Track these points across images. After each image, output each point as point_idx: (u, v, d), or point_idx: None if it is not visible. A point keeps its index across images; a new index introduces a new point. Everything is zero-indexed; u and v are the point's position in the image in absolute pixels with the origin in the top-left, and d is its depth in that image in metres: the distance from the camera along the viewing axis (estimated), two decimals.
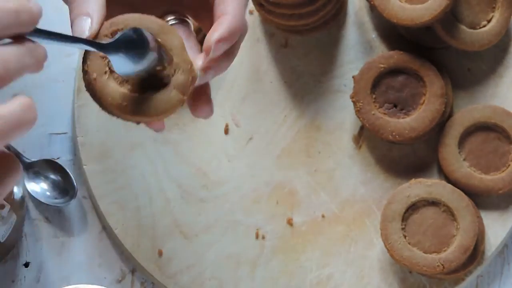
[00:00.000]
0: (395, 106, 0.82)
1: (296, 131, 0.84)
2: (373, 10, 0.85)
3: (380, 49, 0.85)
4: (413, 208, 0.80)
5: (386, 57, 0.82)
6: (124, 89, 0.59)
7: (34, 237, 0.83)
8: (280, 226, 0.83)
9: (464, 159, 0.82)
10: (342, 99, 0.85)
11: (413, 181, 0.80)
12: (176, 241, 0.82)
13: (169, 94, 0.60)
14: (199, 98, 0.63)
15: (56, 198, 0.83)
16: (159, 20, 0.61)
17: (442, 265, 0.78)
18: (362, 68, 0.82)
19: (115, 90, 0.59)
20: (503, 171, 0.82)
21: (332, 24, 0.85)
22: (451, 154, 0.82)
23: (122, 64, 0.57)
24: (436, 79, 0.81)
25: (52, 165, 0.83)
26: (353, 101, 0.82)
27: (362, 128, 0.84)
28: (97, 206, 0.83)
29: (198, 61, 0.62)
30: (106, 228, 0.84)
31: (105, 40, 0.58)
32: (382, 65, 0.81)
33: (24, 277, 0.83)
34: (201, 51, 0.63)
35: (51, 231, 0.83)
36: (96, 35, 0.59)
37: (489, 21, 0.83)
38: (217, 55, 0.61)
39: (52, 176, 0.83)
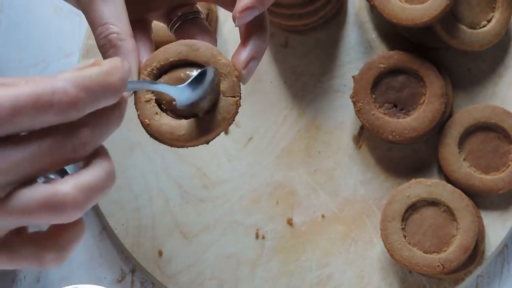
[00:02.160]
0: (395, 106, 0.82)
1: (296, 131, 0.84)
2: (373, 10, 0.85)
3: (380, 49, 0.85)
4: (413, 208, 0.80)
5: (386, 57, 0.82)
6: (179, 121, 0.61)
7: None
8: (280, 226, 0.83)
9: (464, 159, 0.82)
10: (342, 99, 0.85)
11: (413, 181, 0.80)
12: (176, 241, 0.82)
13: (222, 103, 0.61)
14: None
15: None
16: (186, 41, 0.62)
17: (442, 265, 0.78)
18: (362, 68, 0.82)
19: (171, 125, 0.61)
20: (503, 171, 0.82)
21: (332, 24, 0.85)
22: (451, 154, 0.82)
23: (182, 95, 0.60)
24: (436, 79, 0.81)
25: None
26: (353, 101, 0.82)
27: (362, 128, 0.84)
28: (97, 206, 0.83)
29: (240, 58, 0.62)
30: (106, 228, 0.84)
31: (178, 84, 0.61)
32: (382, 65, 0.81)
33: (24, 277, 0.83)
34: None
35: None
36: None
37: (489, 21, 0.83)
38: (243, 23, 0.61)
39: (52, 176, 0.83)
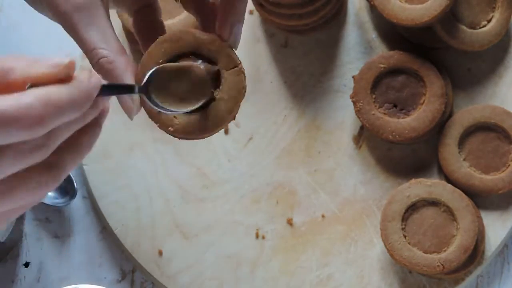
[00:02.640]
0: (395, 106, 0.82)
1: (296, 131, 0.84)
2: (373, 10, 0.85)
3: (380, 49, 0.85)
4: (413, 208, 0.80)
5: (386, 57, 0.82)
6: (198, 113, 0.61)
7: (34, 237, 0.83)
8: (280, 226, 0.83)
9: (464, 159, 0.82)
10: (342, 99, 0.85)
11: (413, 181, 0.80)
12: (176, 241, 0.82)
13: (230, 77, 0.61)
14: None
15: (56, 198, 0.83)
16: (164, 37, 0.62)
17: (442, 265, 0.78)
18: (362, 68, 0.82)
19: (193, 121, 0.61)
20: (503, 171, 0.82)
21: (332, 24, 0.85)
22: (451, 154, 0.82)
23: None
24: (436, 79, 0.81)
25: None
26: (353, 101, 0.82)
27: (362, 128, 0.84)
28: (97, 206, 0.83)
29: (224, 31, 0.62)
30: (106, 228, 0.84)
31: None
32: (382, 65, 0.81)
33: (24, 277, 0.83)
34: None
35: (51, 231, 0.83)
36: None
37: (489, 21, 0.83)
38: None
39: None
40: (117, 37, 0.61)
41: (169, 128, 0.61)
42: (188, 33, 0.61)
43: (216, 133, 0.62)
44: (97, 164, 0.83)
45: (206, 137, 0.62)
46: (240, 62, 0.62)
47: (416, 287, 0.81)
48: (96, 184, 0.83)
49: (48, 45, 0.87)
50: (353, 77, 0.82)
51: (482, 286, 0.83)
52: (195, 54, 0.61)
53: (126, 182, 0.83)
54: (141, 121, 0.84)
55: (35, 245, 0.83)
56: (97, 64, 0.60)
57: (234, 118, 0.62)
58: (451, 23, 0.82)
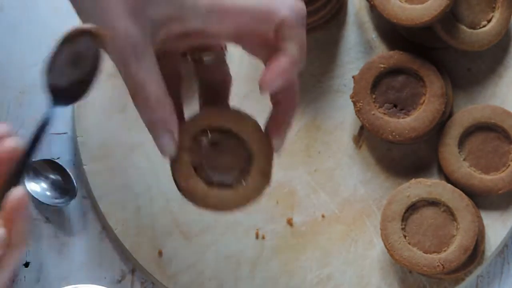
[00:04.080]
0: (395, 106, 0.82)
1: (296, 131, 0.84)
2: (373, 10, 0.85)
3: (380, 49, 0.85)
4: (413, 208, 0.80)
5: (386, 57, 0.82)
6: (211, 189, 0.64)
7: (34, 237, 0.83)
8: (280, 226, 0.83)
9: (464, 159, 0.82)
10: (342, 99, 0.85)
11: (413, 181, 0.80)
12: (176, 241, 0.82)
13: (257, 178, 0.64)
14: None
15: (56, 198, 0.83)
16: (233, 111, 0.65)
17: (442, 265, 0.78)
18: (362, 68, 0.82)
19: (204, 191, 0.64)
20: (503, 171, 0.82)
21: (332, 24, 0.85)
22: (451, 154, 0.82)
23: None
24: (436, 79, 0.81)
25: (52, 165, 0.83)
26: (353, 101, 0.82)
27: (362, 128, 0.84)
28: (97, 206, 0.83)
29: (277, 138, 0.65)
30: (106, 228, 0.84)
31: None
32: (382, 65, 0.81)
33: (24, 277, 0.83)
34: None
35: (51, 231, 0.83)
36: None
37: (489, 21, 0.83)
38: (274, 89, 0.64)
39: (52, 176, 0.83)
40: (163, 79, 0.62)
41: (182, 184, 0.63)
42: (248, 124, 0.65)
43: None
44: (97, 164, 0.83)
45: (207, 210, 0.64)
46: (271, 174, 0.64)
47: (416, 287, 0.81)
48: (96, 184, 0.83)
49: (48, 45, 0.86)
50: (353, 77, 0.82)
51: (482, 286, 0.83)
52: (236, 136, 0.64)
53: (126, 182, 0.83)
54: (142, 121, 0.84)
55: (35, 245, 0.83)
56: (146, 100, 0.61)
57: (239, 210, 0.65)
58: (451, 23, 0.82)
